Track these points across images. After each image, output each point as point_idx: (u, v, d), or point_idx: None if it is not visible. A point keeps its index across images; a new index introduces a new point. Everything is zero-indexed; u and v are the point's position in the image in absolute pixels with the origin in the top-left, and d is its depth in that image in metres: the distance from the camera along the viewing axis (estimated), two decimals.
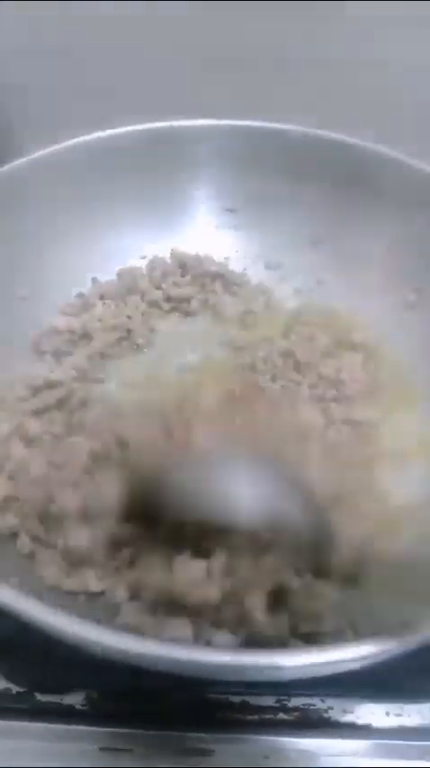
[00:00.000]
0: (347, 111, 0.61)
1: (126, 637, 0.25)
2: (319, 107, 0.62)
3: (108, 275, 0.54)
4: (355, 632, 0.34)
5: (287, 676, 0.28)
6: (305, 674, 0.28)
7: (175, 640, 0.31)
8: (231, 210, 0.56)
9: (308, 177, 0.54)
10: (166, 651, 0.24)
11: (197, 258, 0.55)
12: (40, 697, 0.39)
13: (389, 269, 0.53)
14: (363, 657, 0.24)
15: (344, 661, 0.25)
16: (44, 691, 0.39)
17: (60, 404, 0.45)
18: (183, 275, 0.54)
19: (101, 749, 0.38)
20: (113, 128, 0.52)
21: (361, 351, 0.50)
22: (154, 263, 0.55)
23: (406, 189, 0.51)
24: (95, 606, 0.36)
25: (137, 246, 0.55)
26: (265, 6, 0.67)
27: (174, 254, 0.56)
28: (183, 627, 0.33)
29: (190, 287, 0.54)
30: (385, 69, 0.70)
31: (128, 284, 0.53)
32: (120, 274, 0.54)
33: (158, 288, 0.54)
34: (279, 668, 0.24)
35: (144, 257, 0.55)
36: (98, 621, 0.32)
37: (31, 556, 0.38)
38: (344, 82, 0.69)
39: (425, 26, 0.63)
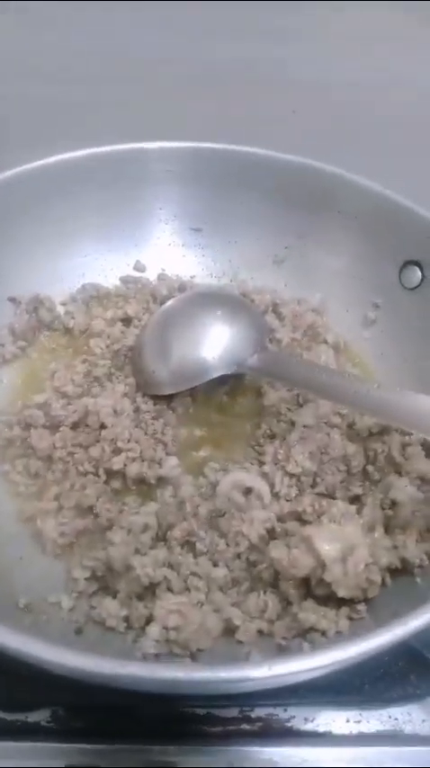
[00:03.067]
0: (308, 133, 0.63)
1: (79, 656, 0.25)
2: (281, 129, 0.64)
3: (69, 292, 0.55)
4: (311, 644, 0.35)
5: (242, 688, 0.29)
6: (263, 686, 0.29)
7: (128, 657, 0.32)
8: (197, 230, 0.57)
9: (271, 197, 0.56)
10: (120, 669, 0.25)
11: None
12: (4, 715, 0.39)
13: (350, 286, 0.55)
14: (312, 669, 0.25)
15: (294, 673, 0.26)
16: (9, 709, 0.39)
17: None
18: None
19: (67, 766, 0.38)
20: (77, 149, 0.53)
21: (332, 348, 0.53)
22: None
23: (364, 210, 0.52)
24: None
25: (99, 267, 0.56)
26: (231, 29, 0.69)
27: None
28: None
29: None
30: (346, 90, 0.72)
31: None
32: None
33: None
34: (231, 682, 0.24)
35: (107, 276, 0.56)
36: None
37: None
38: (307, 104, 0.71)
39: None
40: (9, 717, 0.39)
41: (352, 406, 0.43)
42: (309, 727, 0.40)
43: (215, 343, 0.46)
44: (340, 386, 0.42)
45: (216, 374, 0.46)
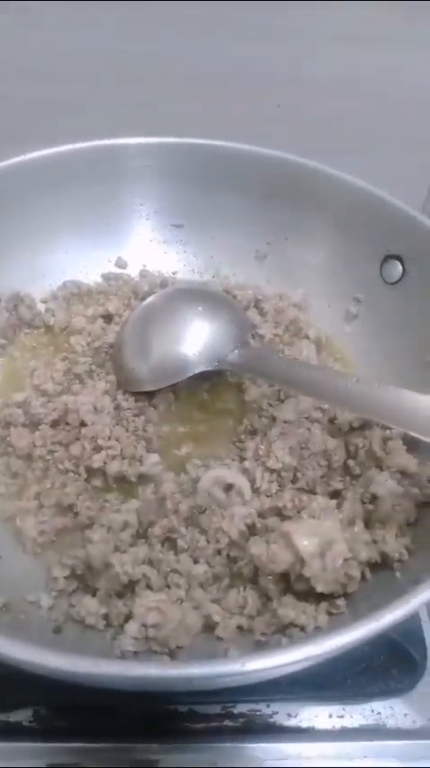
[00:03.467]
0: (290, 128, 0.63)
1: (54, 656, 0.25)
2: (264, 124, 0.64)
3: (50, 289, 0.55)
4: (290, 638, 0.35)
5: (216, 685, 0.29)
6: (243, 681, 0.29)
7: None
8: (178, 226, 0.57)
9: (252, 193, 0.56)
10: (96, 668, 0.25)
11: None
12: None
13: (331, 281, 0.55)
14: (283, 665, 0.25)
15: (270, 668, 0.25)
16: None
17: None
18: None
19: (49, 765, 0.38)
20: (57, 145, 0.52)
21: (314, 343, 0.53)
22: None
23: (345, 205, 0.52)
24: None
25: (80, 263, 0.56)
26: (213, 25, 0.69)
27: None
28: None
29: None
30: (328, 87, 0.72)
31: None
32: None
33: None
34: (206, 678, 0.24)
35: (88, 273, 0.56)
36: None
37: None
38: (288, 99, 0.71)
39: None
40: None
41: (332, 402, 0.43)
42: (292, 722, 0.40)
43: (196, 339, 0.46)
44: (320, 381, 0.42)
45: (197, 370, 0.46)
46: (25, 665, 0.27)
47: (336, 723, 0.40)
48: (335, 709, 0.40)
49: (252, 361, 0.46)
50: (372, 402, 0.39)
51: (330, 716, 0.40)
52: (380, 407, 0.39)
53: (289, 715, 0.40)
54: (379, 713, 0.40)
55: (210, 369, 0.46)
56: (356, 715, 0.40)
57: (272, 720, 0.40)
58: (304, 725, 0.40)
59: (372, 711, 0.41)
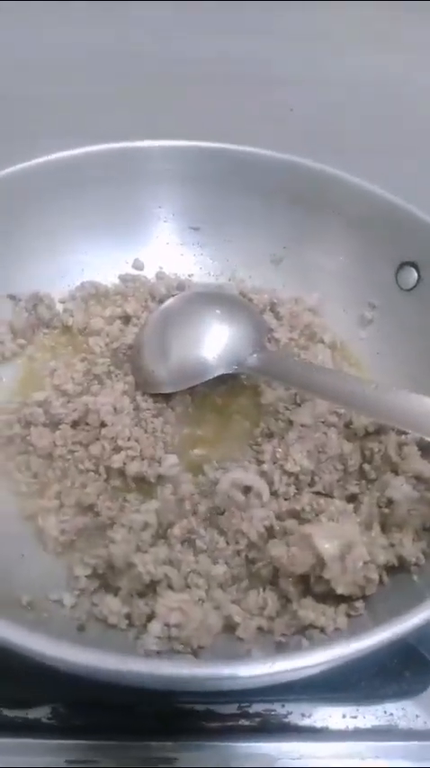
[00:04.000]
0: (311, 131, 0.64)
1: (82, 652, 0.25)
2: (284, 126, 0.64)
3: (68, 289, 0.55)
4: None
5: (243, 685, 0.30)
6: (262, 683, 0.29)
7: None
8: (195, 229, 0.58)
9: (269, 197, 0.56)
10: (123, 666, 0.25)
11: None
12: (5, 711, 0.39)
13: (347, 286, 0.55)
14: (310, 666, 0.25)
15: (296, 669, 0.26)
16: (9, 705, 0.39)
17: None
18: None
19: (67, 762, 0.38)
20: (76, 147, 0.53)
21: (329, 348, 0.53)
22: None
23: (361, 211, 0.53)
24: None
25: (98, 265, 0.56)
26: (226, 27, 0.69)
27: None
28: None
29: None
30: (351, 89, 0.72)
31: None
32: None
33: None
34: (233, 678, 0.25)
35: (106, 275, 0.56)
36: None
37: None
38: (309, 102, 0.72)
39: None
40: (9, 713, 0.39)
41: (349, 407, 0.44)
42: (306, 722, 0.40)
43: (215, 343, 0.47)
44: (338, 386, 0.42)
45: (216, 374, 0.46)
46: (55, 661, 0.28)
47: (350, 723, 0.41)
48: (348, 709, 0.41)
49: (270, 365, 0.47)
50: (388, 407, 0.40)
51: (343, 716, 0.41)
52: (395, 412, 0.39)
53: (303, 715, 0.41)
54: (391, 714, 0.41)
55: (229, 372, 0.47)
56: (369, 716, 0.41)
57: (286, 720, 0.41)
58: (318, 725, 0.41)
59: (385, 712, 0.41)
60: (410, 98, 0.79)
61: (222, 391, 0.50)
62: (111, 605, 0.36)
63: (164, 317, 0.50)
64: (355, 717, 0.41)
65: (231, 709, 0.40)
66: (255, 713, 0.40)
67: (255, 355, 0.47)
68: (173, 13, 0.80)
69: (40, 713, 0.39)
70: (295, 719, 0.41)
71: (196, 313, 0.48)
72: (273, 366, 0.47)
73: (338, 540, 0.36)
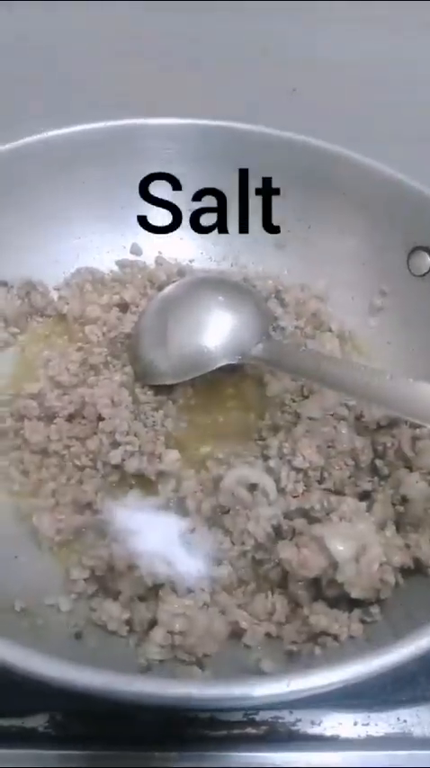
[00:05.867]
0: (315, 112, 0.61)
1: (83, 673, 0.23)
2: (286, 108, 0.62)
3: (63, 276, 0.52)
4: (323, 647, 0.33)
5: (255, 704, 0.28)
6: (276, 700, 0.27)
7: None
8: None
9: (273, 178, 0.53)
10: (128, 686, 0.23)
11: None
12: (0, 721, 0.37)
13: (355, 272, 0.53)
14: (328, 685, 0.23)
15: (314, 688, 0.24)
16: (4, 714, 0.37)
17: None
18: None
19: None
20: (72, 125, 0.50)
21: (337, 336, 0.51)
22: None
23: (371, 193, 0.50)
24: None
25: (94, 249, 0.53)
26: (228, 8, 0.66)
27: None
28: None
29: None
30: (351, 71, 0.70)
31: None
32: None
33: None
34: (234, 699, 0.23)
35: (103, 260, 0.54)
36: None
37: None
38: (309, 83, 0.69)
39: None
40: (4, 722, 0.37)
41: (361, 398, 0.41)
42: (315, 730, 0.39)
43: (218, 332, 0.44)
44: (349, 376, 0.40)
45: (219, 364, 0.44)
46: (48, 679, 0.26)
47: (361, 731, 0.39)
48: (360, 716, 0.39)
49: (276, 355, 0.44)
50: (403, 398, 0.37)
51: (355, 723, 0.39)
52: (411, 404, 0.37)
53: (312, 722, 0.39)
54: (405, 721, 0.39)
55: (232, 362, 0.44)
56: (382, 723, 0.39)
57: (295, 728, 0.39)
58: (328, 733, 0.39)
59: (398, 719, 0.39)
60: (418, 81, 0.76)
61: (225, 383, 0.47)
62: (111, 610, 0.34)
63: (163, 305, 0.47)
64: (367, 724, 0.39)
65: (237, 716, 0.38)
66: (262, 721, 0.39)
67: (259, 345, 0.44)
68: None
69: (37, 722, 0.37)
70: (304, 727, 0.39)
71: (198, 300, 0.46)
72: (280, 356, 0.44)
73: (352, 540, 0.34)
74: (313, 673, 0.24)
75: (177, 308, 0.46)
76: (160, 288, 0.50)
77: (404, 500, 0.39)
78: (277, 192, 0.53)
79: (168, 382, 0.45)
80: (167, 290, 0.48)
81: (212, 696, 0.23)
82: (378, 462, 0.42)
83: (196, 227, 0.55)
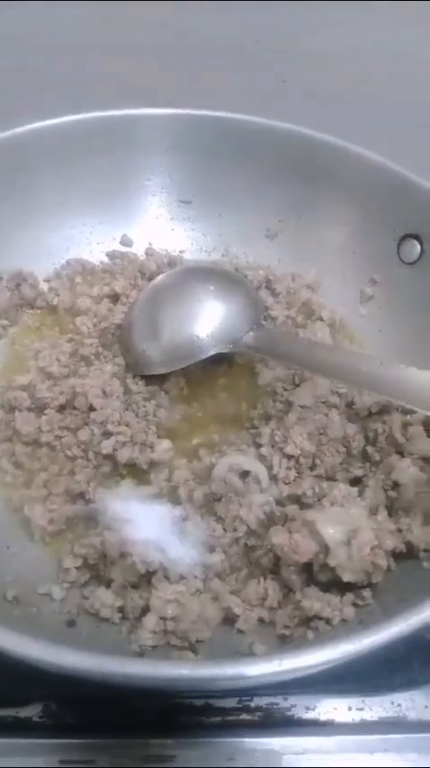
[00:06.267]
0: (305, 102, 0.61)
1: (78, 656, 0.23)
2: (276, 98, 0.62)
3: (53, 267, 0.52)
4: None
5: (248, 684, 0.28)
6: (267, 681, 0.27)
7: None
8: (186, 202, 0.55)
9: (264, 168, 0.54)
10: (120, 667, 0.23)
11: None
12: None
13: (346, 261, 0.53)
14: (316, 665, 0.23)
15: (306, 667, 0.24)
16: None
17: None
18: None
19: (61, 762, 0.36)
20: (63, 115, 0.50)
21: (328, 325, 0.51)
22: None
23: (362, 181, 0.50)
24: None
25: (84, 241, 0.53)
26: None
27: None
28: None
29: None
30: (343, 60, 0.70)
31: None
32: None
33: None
34: (227, 679, 0.23)
35: (93, 251, 0.54)
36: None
37: None
38: (302, 73, 0.69)
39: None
40: None
41: (353, 384, 0.42)
42: (310, 715, 0.39)
43: (209, 320, 0.44)
44: (340, 363, 0.40)
45: (210, 353, 0.44)
46: (43, 664, 0.26)
47: (356, 716, 0.39)
48: (354, 701, 0.39)
49: (268, 343, 0.44)
50: (394, 383, 0.37)
51: (349, 708, 0.39)
52: (403, 389, 0.37)
53: (307, 708, 0.39)
54: (399, 705, 0.39)
55: (224, 351, 0.44)
56: (376, 707, 0.39)
57: (290, 713, 0.39)
58: (323, 718, 0.39)
59: (393, 704, 0.39)
60: (408, 70, 0.77)
61: (217, 373, 0.48)
62: (104, 598, 0.34)
63: (154, 295, 0.47)
64: (362, 709, 0.39)
65: (231, 703, 0.38)
66: (257, 707, 0.39)
67: (251, 333, 0.44)
68: None
69: (32, 711, 0.37)
70: (299, 713, 0.39)
71: (188, 289, 0.46)
72: (271, 344, 0.44)
73: (343, 525, 0.34)
74: (304, 652, 0.24)
75: (168, 298, 0.46)
76: (151, 278, 0.50)
77: (395, 485, 0.39)
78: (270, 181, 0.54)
79: (160, 372, 0.45)
80: (158, 279, 0.48)
81: (205, 676, 0.23)
82: (369, 448, 0.42)
83: (187, 217, 0.55)
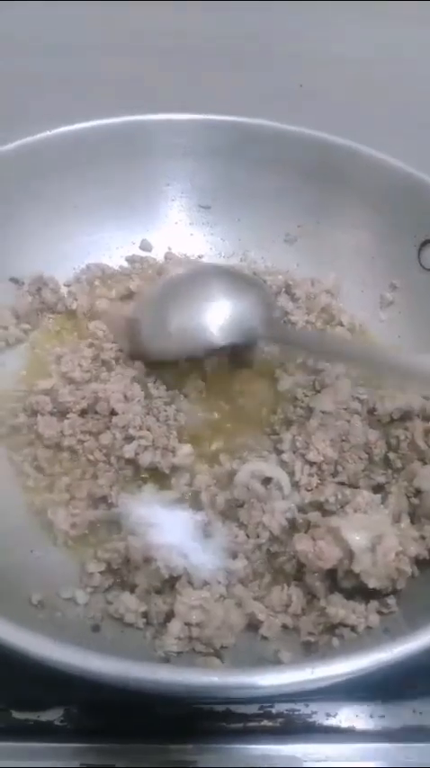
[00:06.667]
0: (324, 107, 0.61)
1: (107, 661, 0.23)
2: (294, 103, 0.62)
3: (73, 272, 0.52)
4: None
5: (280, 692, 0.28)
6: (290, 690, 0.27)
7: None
8: (205, 207, 0.55)
9: (282, 173, 0.54)
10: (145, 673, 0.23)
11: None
12: (16, 714, 0.37)
13: (366, 266, 0.53)
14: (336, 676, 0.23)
15: (337, 676, 0.24)
16: (20, 707, 0.37)
17: None
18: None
19: (82, 765, 0.36)
20: (82, 121, 0.50)
21: (348, 330, 0.51)
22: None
23: (382, 186, 0.50)
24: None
25: (104, 246, 0.53)
26: (235, 4, 0.66)
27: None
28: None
29: None
30: (361, 66, 0.70)
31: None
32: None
33: None
34: (258, 687, 0.23)
35: (112, 256, 0.54)
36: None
37: None
38: (320, 78, 0.69)
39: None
40: (20, 716, 0.37)
41: (374, 369, 0.42)
42: (331, 722, 0.38)
43: (220, 311, 0.43)
44: (354, 349, 0.41)
45: (221, 344, 0.43)
46: (69, 668, 0.26)
47: (377, 723, 0.39)
48: (375, 708, 0.39)
49: (281, 334, 0.44)
50: (415, 365, 0.38)
51: (371, 716, 0.39)
52: (420, 369, 0.37)
53: (328, 714, 0.39)
54: (421, 713, 0.39)
55: (237, 342, 0.43)
56: (397, 715, 0.39)
57: (311, 720, 0.39)
58: (344, 725, 0.39)
59: (414, 711, 0.39)
60: (423, 75, 0.76)
61: (237, 378, 0.47)
62: (128, 603, 0.34)
63: (166, 287, 0.47)
64: (383, 716, 0.39)
65: (253, 709, 0.38)
66: (278, 713, 0.38)
67: (263, 326, 0.44)
68: None
69: (53, 715, 0.37)
70: (320, 719, 0.39)
71: (202, 282, 0.45)
72: (284, 333, 0.44)
73: (368, 531, 0.34)
74: (336, 660, 0.24)
75: (180, 289, 0.46)
76: None
77: (418, 492, 0.39)
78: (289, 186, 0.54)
79: (168, 358, 0.45)
80: (170, 275, 0.48)
81: (239, 684, 0.23)
82: (391, 455, 0.42)
83: (206, 222, 0.56)
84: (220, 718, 0.38)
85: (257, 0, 0.71)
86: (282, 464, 0.41)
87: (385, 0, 0.69)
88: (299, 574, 0.36)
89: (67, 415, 0.42)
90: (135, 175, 0.53)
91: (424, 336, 0.49)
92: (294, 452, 0.41)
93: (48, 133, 0.50)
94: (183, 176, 0.54)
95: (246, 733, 0.38)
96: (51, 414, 0.43)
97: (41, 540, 0.38)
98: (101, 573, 0.36)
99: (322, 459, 0.40)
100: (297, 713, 0.39)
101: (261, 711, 0.38)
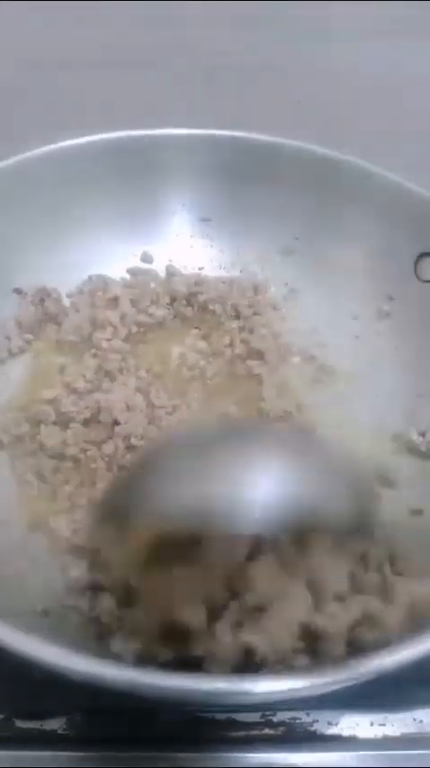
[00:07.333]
0: (321, 122, 0.62)
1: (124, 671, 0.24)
2: (295, 117, 0.63)
3: (75, 283, 0.53)
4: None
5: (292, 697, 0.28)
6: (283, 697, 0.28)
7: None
8: (206, 220, 0.56)
9: (281, 187, 0.55)
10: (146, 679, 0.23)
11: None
12: (18, 723, 0.37)
13: (362, 278, 0.54)
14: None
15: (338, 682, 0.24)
16: (22, 715, 0.38)
17: None
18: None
19: None
20: (84, 135, 0.51)
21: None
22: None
23: (378, 200, 0.51)
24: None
25: (105, 257, 0.54)
26: (240, 18, 0.68)
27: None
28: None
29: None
30: (361, 80, 0.71)
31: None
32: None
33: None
34: (250, 694, 0.23)
35: (113, 268, 0.54)
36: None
37: None
38: (319, 92, 0.70)
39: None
40: (22, 724, 0.37)
41: None
42: (333, 730, 0.39)
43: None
44: None
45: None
46: (81, 676, 0.26)
47: (378, 731, 0.39)
48: (376, 717, 0.39)
49: None
50: None
51: (372, 724, 0.39)
52: None
53: (329, 723, 0.39)
54: (421, 721, 0.39)
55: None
56: (398, 723, 0.39)
57: (312, 729, 0.39)
58: (345, 733, 0.39)
59: (414, 720, 0.39)
60: (420, 89, 0.78)
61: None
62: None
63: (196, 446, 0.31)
64: (384, 724, 0.39)
65: (254, 717, 0.39)
66: (280, 722, 0.39)
67: None
68: (176, 3, 0.79)
69: (56, 724, 0.38)
70: (321, 728, 0.39)
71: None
72: None
73: None
74: (343, 665, 0.24)
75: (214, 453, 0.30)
76: (174, 298, 0.51)
77: None
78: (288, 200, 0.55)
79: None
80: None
81: (242, 690, 0.24)
82: None
83: (206, 235, 0.56)
84: (223, 727, 0.38)
85: (255, 14, 0.72)
86: None
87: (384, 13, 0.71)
88: None
89: (70, 425, 0.43)
90: (136, 189, 0.54)
91: (420, 347, 0.49)
92: None
93: (50, 147, 0.50)
94: (183, 190, 0.55)
95: (248, 741, 0.38)
96: (54, 423, 0.43)
97: (43, 549, 0.38)
98: None
99: None
100: (298, 722, 0.39)
101: (262, 720, 0.39)
